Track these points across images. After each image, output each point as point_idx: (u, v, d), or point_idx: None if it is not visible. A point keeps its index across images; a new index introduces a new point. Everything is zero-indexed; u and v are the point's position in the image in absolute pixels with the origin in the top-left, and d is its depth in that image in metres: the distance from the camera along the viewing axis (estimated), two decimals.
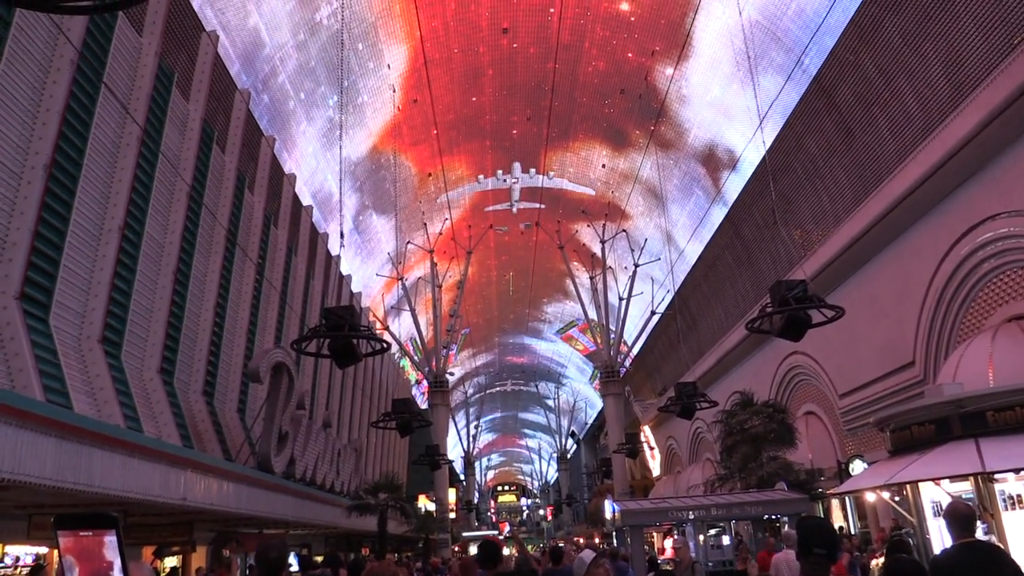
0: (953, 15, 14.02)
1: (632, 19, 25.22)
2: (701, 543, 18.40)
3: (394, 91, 27.73)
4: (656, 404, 37.24)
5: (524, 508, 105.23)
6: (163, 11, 14.27)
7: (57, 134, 11.03)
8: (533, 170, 35.71)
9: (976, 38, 13.66)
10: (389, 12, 24.25)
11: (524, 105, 31.17)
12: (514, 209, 38.93)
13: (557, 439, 76.55)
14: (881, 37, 16.13)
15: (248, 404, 19.25)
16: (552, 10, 25.50)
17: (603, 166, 34.50)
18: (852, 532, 18.70)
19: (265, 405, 17.64)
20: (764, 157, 19.95)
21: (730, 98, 24.32)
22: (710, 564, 17.31)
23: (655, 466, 42.49)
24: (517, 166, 35.56)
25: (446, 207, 36.74)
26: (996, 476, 10.11)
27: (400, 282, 38.34)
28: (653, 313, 35.74)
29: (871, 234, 17.40)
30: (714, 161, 27.45)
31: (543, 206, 38.16)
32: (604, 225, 37.77)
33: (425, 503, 38.88)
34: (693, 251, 31.54)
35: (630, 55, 26.78)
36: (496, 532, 66.20)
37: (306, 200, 26.00)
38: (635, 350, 41.91)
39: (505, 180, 36.62)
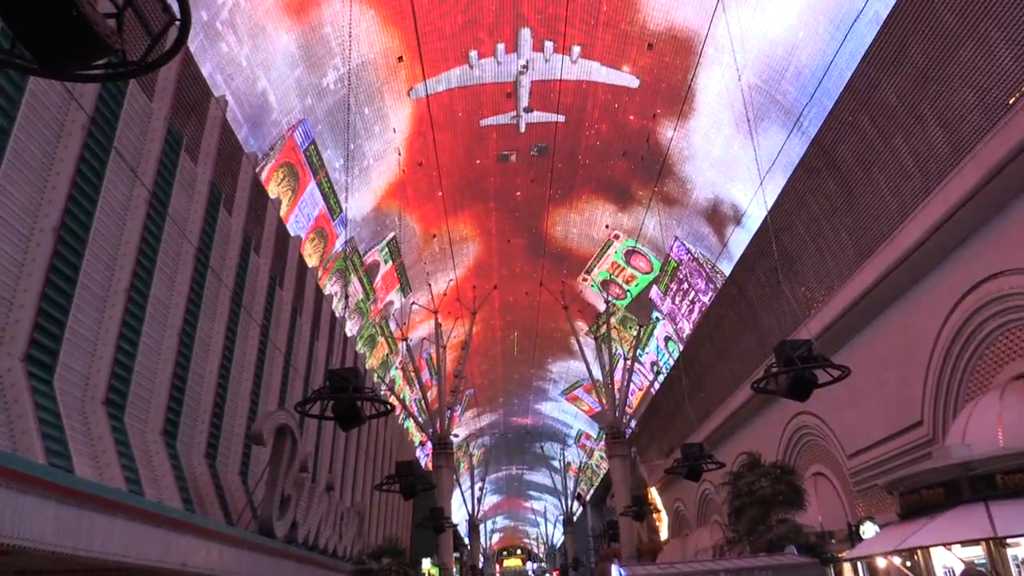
0: (948, 76, 14.26)
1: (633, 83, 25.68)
2: None
3: (399, 154, 28.13)
4: (663, 465, 36.79)
5: (530, 572, 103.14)
6: (174, 77, 14.59)
7: (67, 197, 11.18)
8: (550, 44, 24.76)
9: (971, 99, 13.87)
10: (395, 77, 24.76)
11: (527, 167, 31.56)
12: (521, 124, 28.75)
13: (563, 501, 75.45)
14: (878, 98, 16.38)
15: (251, 467, 19.06)
16: (556, 80, 26.01)
17: (606, 226, 34.74)
18: None
19: (268, 468, 17.47)
20: (766, 216, 20.10)
21: (732, 157, 24.62)
22: None
23: (663, 529, 41.76)
24: (525, 34, 24.38)
25: (451, 267, 36.91)
26: (1008, 540, 9.92)
27: (404, 342, 38.28)
28: (658, 373, 35.56)
29: (875, 293, 17.41)
30: (719, 218, 27.65)
31: (562, 117, 28.15)
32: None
33: (429, 571, 38.13)
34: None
35: (632, 117, 27.21)
36: None
37: (311, 261, 26.17)
38: (638, 404, 41.60)
39: (508, 64, 25.59)
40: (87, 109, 11.54)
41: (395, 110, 26.11)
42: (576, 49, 24.85)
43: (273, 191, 22.18)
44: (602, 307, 39.74)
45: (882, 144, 16.83)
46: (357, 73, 23.18)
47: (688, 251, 30.93)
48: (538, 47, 24.91)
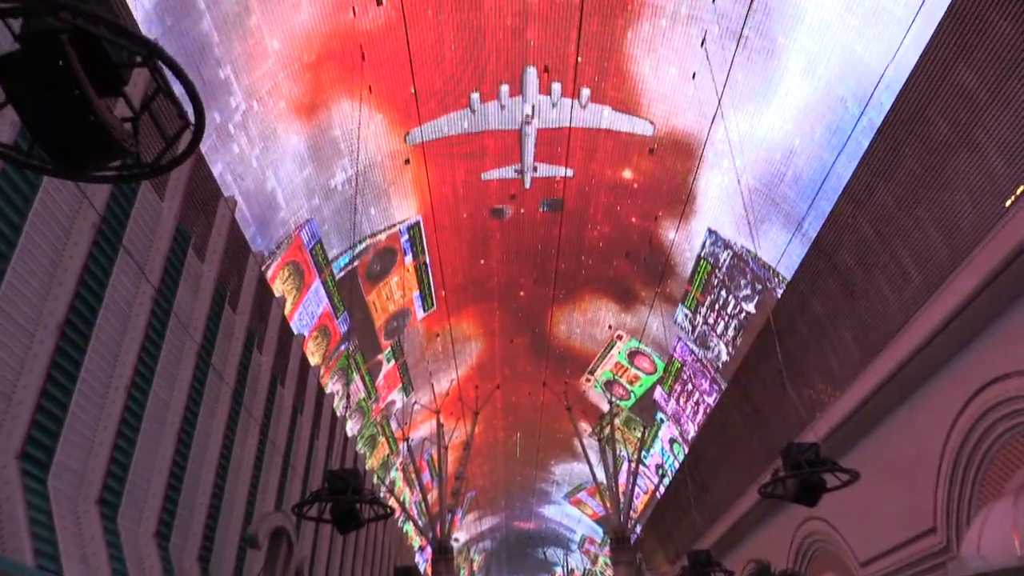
0: (943, 181, 14.55)
1: (635, 186, 26.20)
2: None
3: (405, 254, 28.46)
4: (670, 573, 35.66)
5: None
6: (185, 177, 14.94)
7: (73, 294, 11.27)
8: (558, 86, 23.00)
9: (967, 203, 14.11)
10: (401, 179, 25.31)
11: (531, 268, 31.87)
12: (527, 179, 26.44)
13: None
14: (876, 203, 16.67)
15: (244, 571, 18.51)
16: (558, 178, 26.57)
17: (609, 326, 34.79)
18: None
19: (262, 573, 16.96)
20: (769, 317, 20.14)
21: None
22: None
23: None
24: (531, 74, 22.71)
25: (453, 366, 36.78)
26: None
27: (405, 442, 37.78)
28: (663, 476, 34.93)
29: (881, 395, 17.26)
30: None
31: (571, 172, 26.23)
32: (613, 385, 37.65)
33: None
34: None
35: (634, 220, 27.64)
36: None
37: (314, 360, 26.12)
38: (643, 508, 40.64)
39: (513, 106, 24.00)
40: (98, 207, 11.77)
41: (401, 210, 26.57)
42: (585, 92, 23.41)
43: (278, 289, 22.35)
44: (606, 408, 39.37)
45: (882, 247, 17.02)
46: (364, 174, 23.72)
47: (691, 352, 30.85)
48: (545, 90, 23.69)
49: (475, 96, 23.31)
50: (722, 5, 19.07)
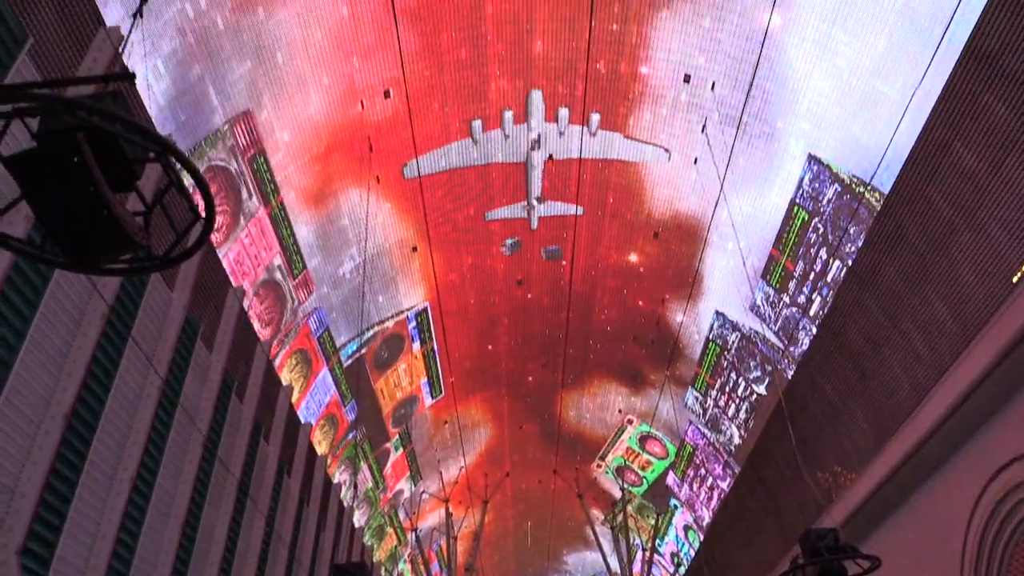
0: (948, 260, 14.59)
1: (641, 270, 26.36)
2: None
3: (412, 341, 28.47)
4: None
5: None
6: (195, 268, 15.11)
7: (80, 385, 11.25)
8: (565, 111, 21.96)
9: (973, 280, 14.11)
10: (409, 266, 25.53)
11: (539, 352, 31.78)
12: (534, 220, 25.31)
13: None
14: (882, 282, 16.69)
15: None
16: (564, 262, 26.76)
17: (619, 411, 34.45)
18: None
19: None
20: (780, 399, 19.93)
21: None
22: None
23: None
24: (536, 98, 21.66)
25: (462, 454, 36.31)
26: None
27: (413, 533, 36.99)
28: (679, 564, 33.98)
29: (897, 478, 16.90)
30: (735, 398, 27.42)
31: (581, 209, 24.93)
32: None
33: None
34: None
35: (641, 303, 27.70)
36: None
37: (321, 448, 25.84)
38: None
39: (516, 133, 22.50)
40: (107, 299, 11.86)
41: (408, 297, 26.71)
42: (595, 118, 22.03)
43: (286, 377, 22.30)
44: (618, 495, 38.60)
45: (891, 326, 16.96)
46: (372, 262, 23.95)
47: (703, 435, 30.44)
48: (551, 116, 22.57)
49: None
50: (721, 92, 19.57)
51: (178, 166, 4.56)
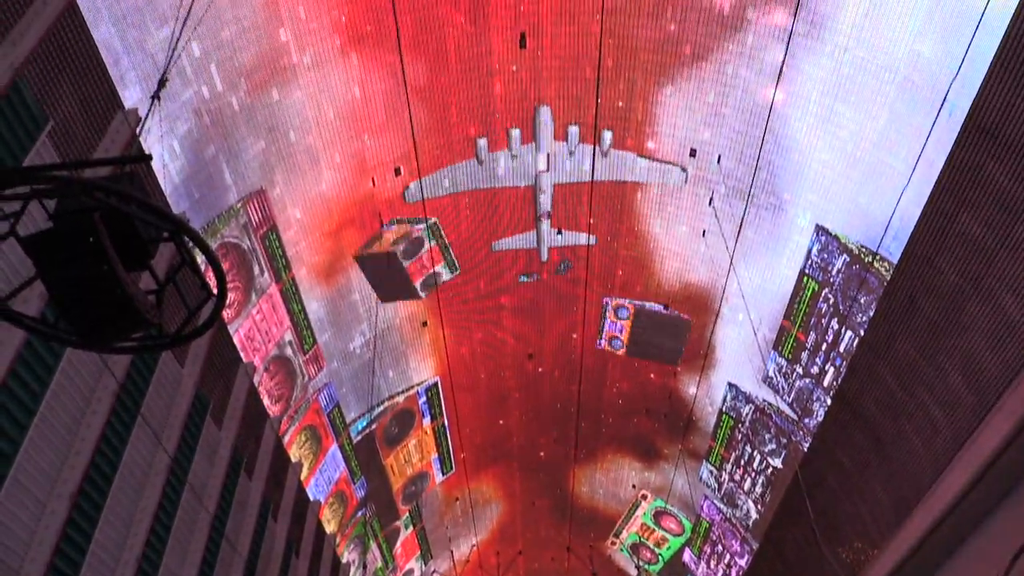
0: (961, 328, 14.48)
1: None
2: None
3: (423, 416, 28.28)
4: None
5: None
6: (206, 344, 15.14)
7: (88, 463, 11.17)
8: (575, 129, 20.94)
9: (986, 349, 13.97)
10: (419, 341, 25.54)
11: (551, 427, 31.46)
12: (544, 252, 24.18)
13: None
14: (896, 352, 16.55)
15: None
16: (575, 335, 26.73)
17: (633, 486, 33.88)
18: None
19: None
20: (796, 472, 19.58)
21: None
22: None
23: None
24: (544, 120, 20.72)
25: (473, 531, 35.62)
26: None
27: None
28: None
29: (921, 552, 16.42)
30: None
31: (594, 239, 23.68)
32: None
33: None
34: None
35: (652, 376, 27.51)
36: None
37: (330, 527, 25.41)
38: None
39: (525, 157, 21.57)
40: (118, 376, 11.87)
41: (419, 372, 26.64)
42: (608, 136, 20.70)
43: (295, 454, 22.09)
44: (633, 572, 37.63)
45: (906, 395, 16.74)
46: (383, 337, 23.96)
47: (719, 510, 29.82)
48: (561, 134, 21.30)
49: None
50: (727, 165, 19.82)
51: (191, 244, 4.62)
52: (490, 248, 24.26)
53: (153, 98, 11.34)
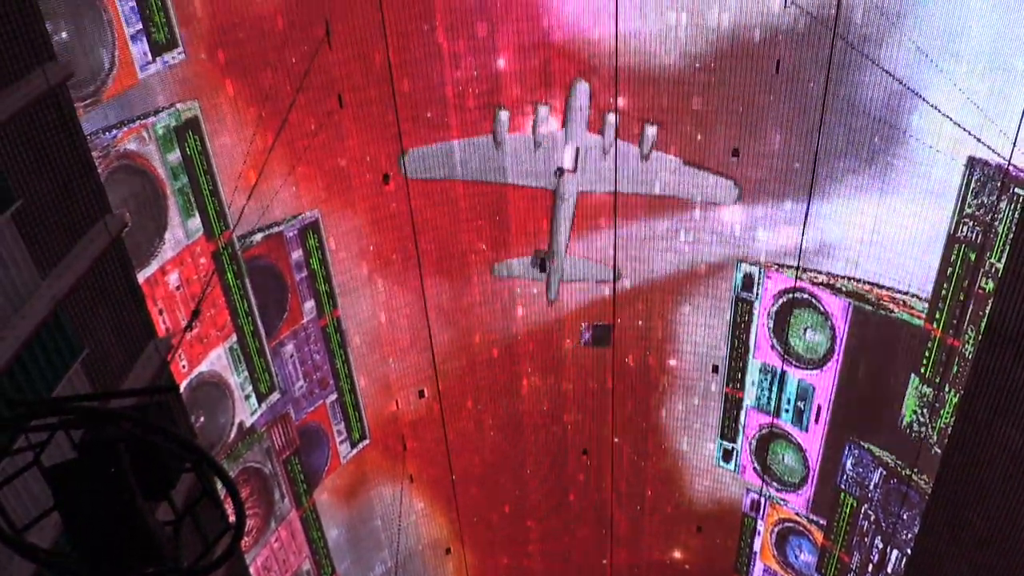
0: (1014, 543, 13.73)
1: (686, 567, 25.01)
2: None
3: None
4: None
5: None
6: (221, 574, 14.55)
7: None
8: (612, 117, 17.99)
9: None
10: (442, 570, 24.49)
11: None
12: (553, 287, 20.37)
13: None
14: (945, 570, 15.61)
15: None
16: (605, 560, 25.52)
17: None
18: None
19: None
20: None
21: None
22: None
23: None
24: (577, 96, 17.99)
25: None
26: None
27: None
28: None
29: None
30: None
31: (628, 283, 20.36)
32: None
33: None
34: None
35: None
36: None
37: None
38: None
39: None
40: None
41: None
42: (651, 131, 17.98)
43: None
44: None
45: None
46: (404, 565, 23.03)
47: None
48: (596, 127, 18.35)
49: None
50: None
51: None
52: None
53: (186, 329, 11.74)
